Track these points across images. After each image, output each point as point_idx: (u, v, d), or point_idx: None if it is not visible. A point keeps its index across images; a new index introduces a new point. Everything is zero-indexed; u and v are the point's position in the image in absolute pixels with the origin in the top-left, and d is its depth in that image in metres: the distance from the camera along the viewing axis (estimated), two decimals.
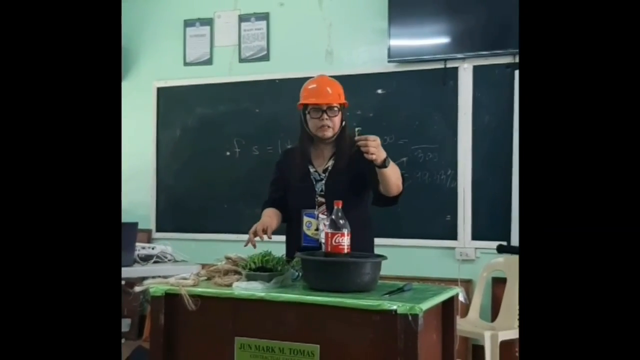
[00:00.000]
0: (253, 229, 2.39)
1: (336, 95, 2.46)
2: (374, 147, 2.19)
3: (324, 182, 2.47)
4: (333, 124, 2.44)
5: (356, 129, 2.26)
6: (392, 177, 2.31)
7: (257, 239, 2.38)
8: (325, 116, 2.42)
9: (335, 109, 2.44)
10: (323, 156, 2.52)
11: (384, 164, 2.25)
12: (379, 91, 4.11)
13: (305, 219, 2.44)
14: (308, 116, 2.46)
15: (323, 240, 2.24)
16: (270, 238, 2.39)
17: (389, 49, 4.01)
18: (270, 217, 2.48)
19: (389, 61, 4.04)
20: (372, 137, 2.20)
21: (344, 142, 2.47)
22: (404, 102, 4.06)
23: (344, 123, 2.49)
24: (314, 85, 2.51)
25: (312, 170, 2.50)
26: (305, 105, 2.47)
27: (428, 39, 3.98)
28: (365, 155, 2.20)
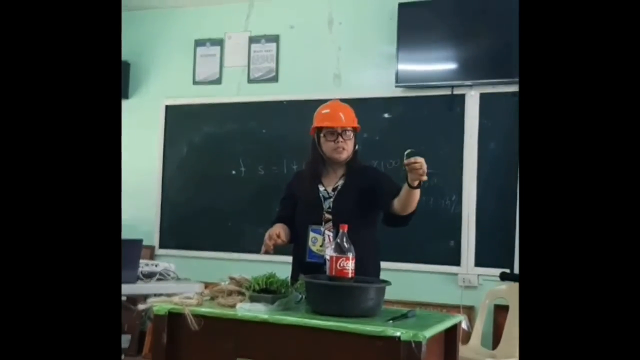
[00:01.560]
0: (267, 235, 2.44)
1: (350, 119, 2.54)
2: (423, 167, 2.20)
3: (332, 199, 2.51)
4: (347, 146, 2.51)
5: (406, 152, 2.25)
6: (417, 197, 2.35)
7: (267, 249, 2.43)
8: (340, 139, 2.49)
9: (350, 132, 2.52)
10: (334, 176, 2.57)
11: (420, 184, 2.28)
12: (386, 115, 4.13)
13: (311, 234, 2.48)
14: (323, 139, 2.53)
15: (327, 257, 2.26)
16: (285, 241, 2.45)
17: (396, 74, 4.04)
18: (279, 226, 2.52)
19: (396, 86, 4.07)
20: (420, 158, 2.20)
21: (355, 164, 2.57)
22: (410, 126, 4.09)
23: (356, 147, 2.57)
24: (328, 110, 2.58)
25: (321, 189, 2.54)
26: (320, 129, 2.54)
27: (436, 65, 4.01)
28: (418, 176, 2.21)
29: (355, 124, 2.56)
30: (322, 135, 2.53)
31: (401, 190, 2.35)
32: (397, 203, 2.39)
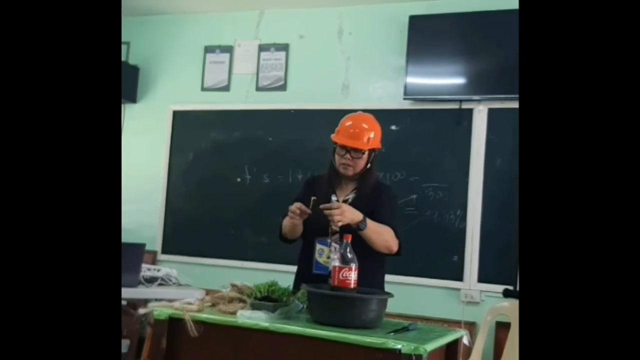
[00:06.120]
0: (293, 206, 2.39)
1: (365, 140, 2.47)
2: (338, 215, 2.27)
3: None
4: (354, 164, 2.47)
5: (312, 198, 2.35)
6: (374, 238, 2.37)
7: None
8: (348, 156, 2.46)
9: (360, 152, 2.46)
10: (346, 188, 2.55)
11: (358, 227, 2.31)
12: (393, 127, 4.12)
13: (318, 246, 2.46)
14: (336, 150, 2.51)
15: (331, 267, 2.25)
16: (311, 214, 2.39)
17: (405, 86, 4.04)
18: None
19: (404, 98, 4.06)
20: (335, 204, 2.31)
21: (367, 181, 2.52)
22: (417, 139, 4.08)
23: (369, 165, 2.51)
24: (350, 123, 2.52)
25: (333, 198, 2.52)
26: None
27: (444, 79, 4.00)
28: (333, 222, 2.30)
29: (371, 146, 2.47)
30: (336, 146, 2.51)
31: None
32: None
